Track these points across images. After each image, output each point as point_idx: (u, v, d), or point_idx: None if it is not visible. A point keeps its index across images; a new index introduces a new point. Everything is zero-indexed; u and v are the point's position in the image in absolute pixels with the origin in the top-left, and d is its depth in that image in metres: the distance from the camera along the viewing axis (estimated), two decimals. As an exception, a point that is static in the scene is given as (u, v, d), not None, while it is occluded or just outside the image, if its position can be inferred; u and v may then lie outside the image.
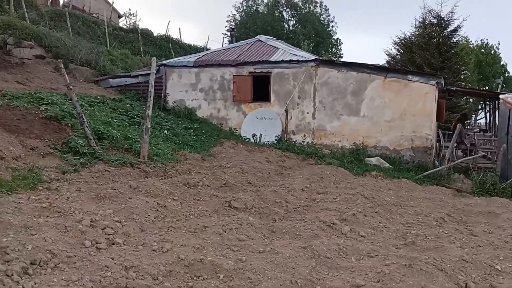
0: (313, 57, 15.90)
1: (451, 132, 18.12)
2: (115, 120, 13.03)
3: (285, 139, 15.59)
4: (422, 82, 14.37)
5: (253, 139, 15.41)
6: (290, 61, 15.81)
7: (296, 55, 16.34)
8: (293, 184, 10.26)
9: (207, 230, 6.54)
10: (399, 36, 30.38)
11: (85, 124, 9.86)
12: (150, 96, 10.76)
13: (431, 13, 27.52)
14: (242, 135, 15.87)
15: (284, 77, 15.98)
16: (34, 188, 7.44)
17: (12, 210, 6.14)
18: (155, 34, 36.53)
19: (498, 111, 16.14)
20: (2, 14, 20.89)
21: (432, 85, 14.34)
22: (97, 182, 8.47)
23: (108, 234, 5.83)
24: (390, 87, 14.72)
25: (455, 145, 14.52)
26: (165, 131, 13.76)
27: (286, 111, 15.74)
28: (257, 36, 19.30)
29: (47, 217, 6.08)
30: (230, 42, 26.22)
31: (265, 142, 15.32)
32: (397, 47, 30.99)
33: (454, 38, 27.90)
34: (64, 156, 9.26)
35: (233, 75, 16.44)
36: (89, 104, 14.11)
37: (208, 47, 37.59)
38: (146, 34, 34.95)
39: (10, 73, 16.12)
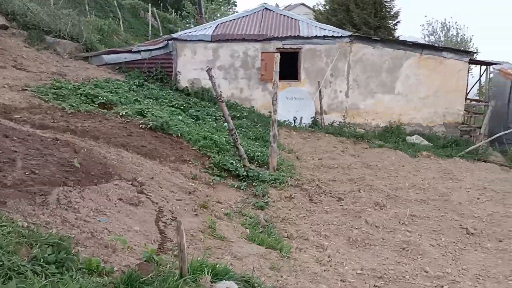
0: (347, 32, 15.52)
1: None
2: (180, 117, 11.44)
3: (321, 120, 15.27)
4: (456, 59, 15.11)
5: (294, 122, 14.85)
6: (324, 37, 15.23)
7: (325, 29, 15.78)
8: (428, 183, 10.29)
9: None
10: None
11: (238, 142, 8.57)
12: (275, 99, 9.64)
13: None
14: (273, 117, 15.09)
15: (315, 54, 15.40)
16: (278, 241, 6.38)
17: None
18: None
19: (488, 80, 17.75)
20: None
21: (466, 62, 15.18)
22: (300, 218, 7.57)
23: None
24: (425, 64, 15.19)
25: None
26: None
27: (320, 90, 15.33)
28: (262, 4, 17.98)
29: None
30: (199, 6, 24.00)
31: (299, 125, 14.88)
32: (325, 4, 30.83)
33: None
34: (232, 184, 8.04)
35: (261, 52, 15.32)
36: (121, 91, 12.12)
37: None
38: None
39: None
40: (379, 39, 15.47)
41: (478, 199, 9.67)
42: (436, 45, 24.52)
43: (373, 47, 15.23)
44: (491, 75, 17.72)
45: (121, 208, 5.61)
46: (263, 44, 15.37)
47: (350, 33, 15.50)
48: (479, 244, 7.28)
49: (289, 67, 15.59)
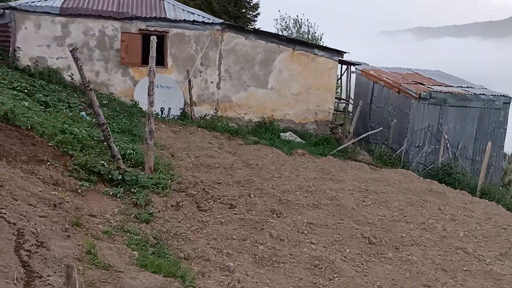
0: (219, 20, 14.70)
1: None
2: (25, 103, 9.50)
3: (191, 112, 14.27)
4: (327, 57, 15.34)
5: (161, 113, 13.62)
6: (194, 22, 14.24)
7: (193, 13, 14.77)
8: (313, 185, 10.04)
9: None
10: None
11: (111, 139, 7.17)
12: (152, 89, 8.33)
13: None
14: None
15: (184, 39, 14.33)
16: (177, 266, 5.34)
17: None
18: None
19: (349, 80, 18.57)
20: None
21: (336, 60, 15.52)
22: (194, 231, 6.56)
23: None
24: (298, 60, 15.16)
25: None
26: (84, 114, 10.80)
27: (190, 79, 14.32)
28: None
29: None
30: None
31: (167, 117, 13.77)
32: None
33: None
34: (106, 191, 6.71)
35: (122, 33, 13.72)
36: None
37: None
38: None
39: None
40: (252, 30, 15.06)
41: (363, 202, 9.70)
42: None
43: (246, 37, 14.70)
44: (354, 75, 18.55)
45: (-39, 234, 4.04)
46: (124, 23, 13.84)
47: (222, 21, 14.77)
48: (381, 254, 7.11)
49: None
